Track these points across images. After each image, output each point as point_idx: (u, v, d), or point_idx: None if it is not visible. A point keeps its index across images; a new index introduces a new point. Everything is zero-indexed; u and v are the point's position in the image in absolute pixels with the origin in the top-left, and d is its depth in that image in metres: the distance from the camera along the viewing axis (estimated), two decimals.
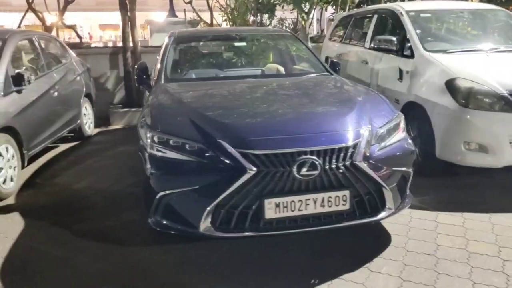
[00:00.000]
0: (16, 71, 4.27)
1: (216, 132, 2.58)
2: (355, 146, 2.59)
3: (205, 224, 2.49)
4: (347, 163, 2.53)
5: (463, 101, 3.73)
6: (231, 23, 8.59)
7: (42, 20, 7.76)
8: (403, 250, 2.85)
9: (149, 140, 2.69)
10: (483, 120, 3.66)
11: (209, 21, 8.89)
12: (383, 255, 2.80)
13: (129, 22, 7.42)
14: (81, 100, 5.98)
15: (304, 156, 2.46)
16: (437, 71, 4.08)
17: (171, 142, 2.62)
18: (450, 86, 3.86)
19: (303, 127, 2.68)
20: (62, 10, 7.85)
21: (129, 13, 7.39)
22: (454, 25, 5.08)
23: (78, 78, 6.01)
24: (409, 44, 4.59)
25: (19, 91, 4.28)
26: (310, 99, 3.19)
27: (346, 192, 2.54)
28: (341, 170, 2.52)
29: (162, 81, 3.65)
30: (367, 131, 2.70)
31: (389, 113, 3.01)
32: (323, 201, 2.52)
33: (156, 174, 2.60)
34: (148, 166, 2.64)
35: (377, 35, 5.10)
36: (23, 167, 4.34)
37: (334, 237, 3.01)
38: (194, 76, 3.87)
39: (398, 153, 2.80)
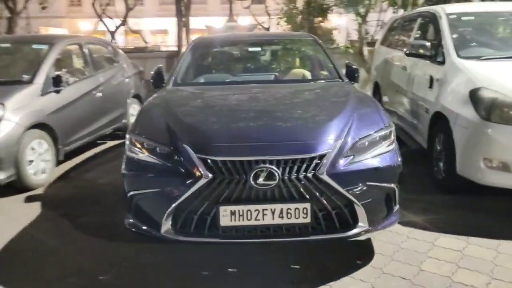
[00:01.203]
0: (56, 73, 4.67)
1: (184, 137, 2.62)
2: (321, 157, 2.48)
3: (165, 226, 2.53)
4: (309, 174, 2.43)
5: (484, 114, 3.37)
6: (286, 26, 8.58)
7: (107, 26, 8.43)
8: (379, 272, 2.66)
9: (127, 142, 2.81)
10: (506, 135, 3.28)
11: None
12: (355, 274, 2.64)
13: (184, 27, 7.76)
14: (128, 100, 6.35)
15: (261, 165, 2.41)
16: (463, 80, 3.74)
17: (145, 144, 2.71)
18: (473, 96, 3.51)
19: (270, 135, 2.62)
20: (125, 17, 8.45)
21: (183, 19, 7.73)
22: (503, 29, 4.60)
23: (127, 80, 6.40)
24: (443, 50, 4.25)
25: (57, 91, 4.68)
26: (296, 107, 3.10)
27: (307, 205, 2.44)
28: (302, 182, 2.42)
29: (170, 85, 3.77)
30: (340, 143, 2.56)
31: (377, 124, 2.82)
32: (281, 212, 2.44)
33: (127, 174, 2.71)
34: (123, 166, 2.76)
35: (418, 40, 4.79)
36: (58, 161, 4.73)
37: (312, 249, 2.90)
38: (203, 80, 3.94)
39: (377, 167, 2.62)
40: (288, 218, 2.45)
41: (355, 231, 2.56)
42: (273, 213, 2.44)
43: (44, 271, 2.74)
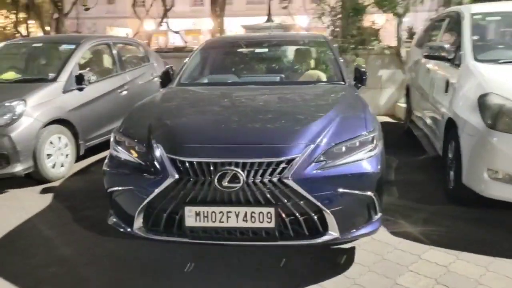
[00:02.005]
0: (79, 72, 4.92)
1: (158, 137, 2.67)
2: (289, 162, 2.44)
3: (137, 224, 2.60)
4: (274, 179, 2.40)
5: (490, 121, 3.15)
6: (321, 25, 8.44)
7: (141, 26, 8.74)
8: (350, 282, 2.57)
9: (111, 139, 2.92)
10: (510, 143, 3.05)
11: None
12: (325, 282, 2.56)
13: (219, 28, 7.87)
14: None
15: (226, 167, 2.41)
16: (474, 85, 3.51)
17: (126, 143, 2.80)
18: (481, 102, 3.29)
19: (240, 138, 2.61)
20: (162, 18, 8.71)
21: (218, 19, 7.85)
22: None
23: (156, 79, 6.59)
24: (461, 52, 4.01)
25: (80, 89, 4.92)
26: (282, 110, 3.06)
27: (271, 209, 2.40)
28: (266, 186, 2.40)
29: (174, 85, 3.85)
30: (311, 148, 2.51)
31: (359, 129, 2.73)
32: (245, 215, 2.42)
33: (107, 171, 2.81)
34: (105, 163, 2.86)
35: (440, 41, 4.56)
36: (81, 156, 4.99)
37: (288, 253, 2.85)
38: (206, 81, 3.99)
39: (350, 174, 2.53)
40: (252, 222, 2.43)
41: (324, 238, 2.50)
42: (237, 216, 2.43)
43: (32, 259, 2.91)
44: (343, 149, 2.60)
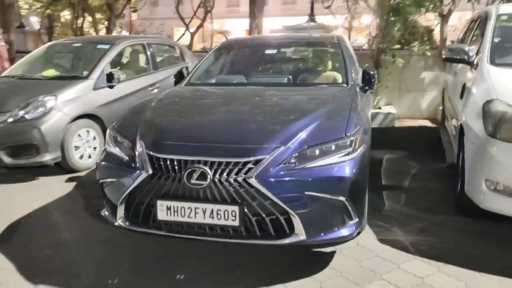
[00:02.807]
0: (110, 70, 5.24)
1: (142, 133, 2.83)
2: (256, 162, 2.48)
3: (119, 215, 2.77)
4: (240, 178, 2.46)
5: (491, 129, 2.97)
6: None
7: (187, 26, 9.02)
8: (317, 285, 2.57)
9: (106, 135, 3.12)
10: (510, 153, 2.86)
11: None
12: (291, 283, 2.58)
13: (256, 28, 7.97)
14: None
15: (195, 165, 2.50)
16: (484, 89, 3.32)
17: (118, 138, 2.98)
18: (485, 108, 3.11)
19: (213, 137, 2.69)
20: (203, 19, 8.96)
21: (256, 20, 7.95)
22: None
23: None
24: (479, 55, 3.80)
25: (110, 87, 5.24)
26: (266, 111, 3.09)
27: (235, 208, 2.47)
28: (232, 185, 2.46)
29: (183, 84, 4.01)
30: (281, 150, 2.54)
31: (337, 133, 2.71)
32: (212, 212, 2.51)
33: (99, 163, 3.00)
34: (99, 156, 3.07)
35: (461, 43, 4.34)
36: None
37: (261, 250, 2.89)
38: (214, 81, 4.10)
39: (320, 177, 2.53)
40: (218, 219, 2.51)
41: (289, 240, 2.52)
42: (204, 212, 2.52)
43: (32, 241, 3.18)
44: (317, 152, 2.60)
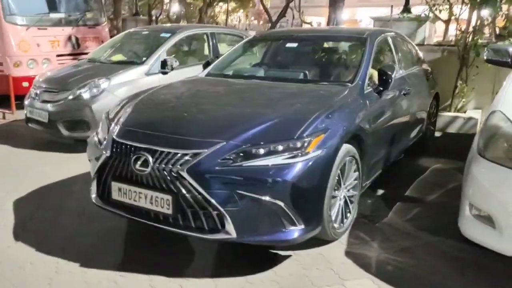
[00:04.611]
0: (164, 58, 5.61)
1: (118, 118, 3.05)
2: (195, 155, 2.52)
3: (92, 192, 3.02)
4: (174, 169, 2.52)
5: (482, 145, 2.56)
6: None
7: (270, 16, 9.04)
8: (245, 284, 2.53)
9: (101, 121, 3.39)
10: (495, 179, 2.43)
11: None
12: (220, 281, 2.57)
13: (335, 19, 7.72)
14: None
15: (141, 152, 2.64)
16: (497, 98, 2.85)
17: (104, 122, 3.24)
18: (484, 121, 2.68)
19: (166, 127, 2.79)
20: (283, 9, 8.87)
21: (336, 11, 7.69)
22: None
23: None
24: None
25: (164, 73, 5.61)
26: (234, 106, 3.09)
27: (169, 197, 2.55)
28: (167, 175, 2.54)
29: (203, 75, 4.14)
30: (221, 145, 2.54)
31: (290, 134, 2.61)
32: (151, 198, 2.62)
33: (87, 144, 3.30)
34: None
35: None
36: None
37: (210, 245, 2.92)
38: (231, 73, 4.13)
39: (256, 178, 2.47)
40: (156, 206, 2.61)
41: (218, 236, 2.53)
42: (145, 197, 2.65)
43: (36, 211, 3.54)
44: (261, 151, 2.55)
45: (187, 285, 2.53)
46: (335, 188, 2.91)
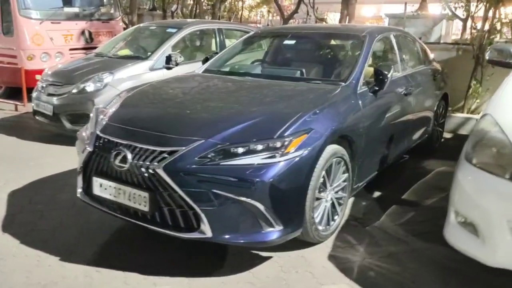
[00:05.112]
0: (169, 53, 5.61)
1: (108, 114, 3.04)
2: (172, 153, 2.50)
3: (79, 188, 3.03)
4: (151, 166, 2.51)
5: (470, 150, 2.45)
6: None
7: (282, 12, 8.94)
8: (219, 285, 2.49)
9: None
10: (479, 185, 2.33)
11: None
12: (194, 281, 2.55)
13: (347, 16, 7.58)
14: None
15: (120, 148, 2.63)
16: (490, 101, 2.72)
17: (93, 117, 3.23)
18: (475, 125, 2.57)
19: (146, 124, 2.77)
20: (297, 5, 8.74)
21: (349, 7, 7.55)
22: None
23: None
24: None
25: (168, 68, 5.61)
26: (217, 104, 3.04)
27: (146, 194, 2.54)
28: (144, 172, 2.53)
29: (200, 71, 4.11)
30: (199, 143, 2.51)
31: (270, 133, 2.57)
32: (130, 195, 2.61)
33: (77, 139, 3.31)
34: None
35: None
36: None
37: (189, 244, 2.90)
38: (227, 69, 4.08)
39: (231, 177, 2.43)
40: (134, 203, 2.60)
41: (194, 235, 2.51)
42: (124, 193, 2.64)
43: (35, 195, 3.67)
44: (240, 150, 2.50)
45: (161, 283, 2.51)
46: (321, 189, 2.85)
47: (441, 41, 8.00)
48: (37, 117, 5.64)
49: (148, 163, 2.53)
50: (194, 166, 2.46)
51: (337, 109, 3.04)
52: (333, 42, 4.07)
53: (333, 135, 2.85)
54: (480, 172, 2.32)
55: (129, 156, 2.58)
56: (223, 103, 3.05)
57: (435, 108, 4.95)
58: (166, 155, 2.51)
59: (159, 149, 2.54)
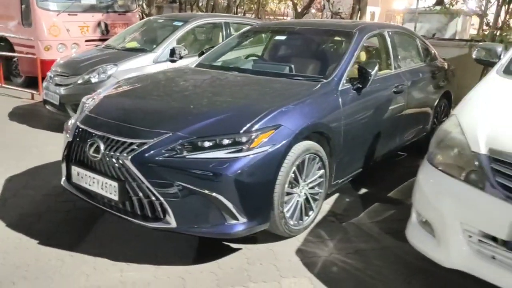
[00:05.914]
0: (173, 46, 5.71)
1: (90, 105, 3.17)
2: (141, 144, 2.60)
3: (63, 175, 3.17)
4: (121, 157, 2.61)
5: (431, 149, 2.45)
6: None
7: (295, 5, 8.90)
8: (183, 274, 2.58)
9: None
10: (436, 186, 2.33)
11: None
12: (160, 268, 2.65)
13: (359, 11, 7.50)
14: None
15: (94, 138, 2.75)
16: (461, 102, 2.70)
17: (81, 109, 3.37)
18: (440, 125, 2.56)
19: (122, 116, 2.88)
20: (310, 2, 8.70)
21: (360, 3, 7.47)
22: None
23: None
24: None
25: (172, 61, 5.72)
26: (194, 98, 3.11)
27: (115, 184, 2.65)
28: (114, 162, 2.64)
29: (193, 65, 4.19)
30: (166, 136, 2.60)
31: (236, 128, 2.63)
32: (102, 184, 2.73)
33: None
34: None
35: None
36: None
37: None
38: (219, 64, 4.13)
39: (195, 170, 2.51)
40: (105, 192, 2.72)
41: (158, 225, 2.61)
42: (97, 182, 2.76)
43: (32, 180, 3.85)
44: (206, 144, 2.58)
45: (128, 269, 2.62)
46: (292, 185, 2.89)
47: (457, 37, 7.80)
48: (46, 106, 5.86)
49: (118, 154, 2.63)
50: (160, 158, 2.55)
51: (313, 105, 3.07)
52: (323, 38, 4.07)
53: (305, 132, 2.88)
54: (437, 172, 2.32)
55: (102, 146, 2.69)
56: (199, 98, 3.11)
57: (435, 106, 4.88)
58: (136, 147, 2.61)
59: (129, 140, 2.64)
